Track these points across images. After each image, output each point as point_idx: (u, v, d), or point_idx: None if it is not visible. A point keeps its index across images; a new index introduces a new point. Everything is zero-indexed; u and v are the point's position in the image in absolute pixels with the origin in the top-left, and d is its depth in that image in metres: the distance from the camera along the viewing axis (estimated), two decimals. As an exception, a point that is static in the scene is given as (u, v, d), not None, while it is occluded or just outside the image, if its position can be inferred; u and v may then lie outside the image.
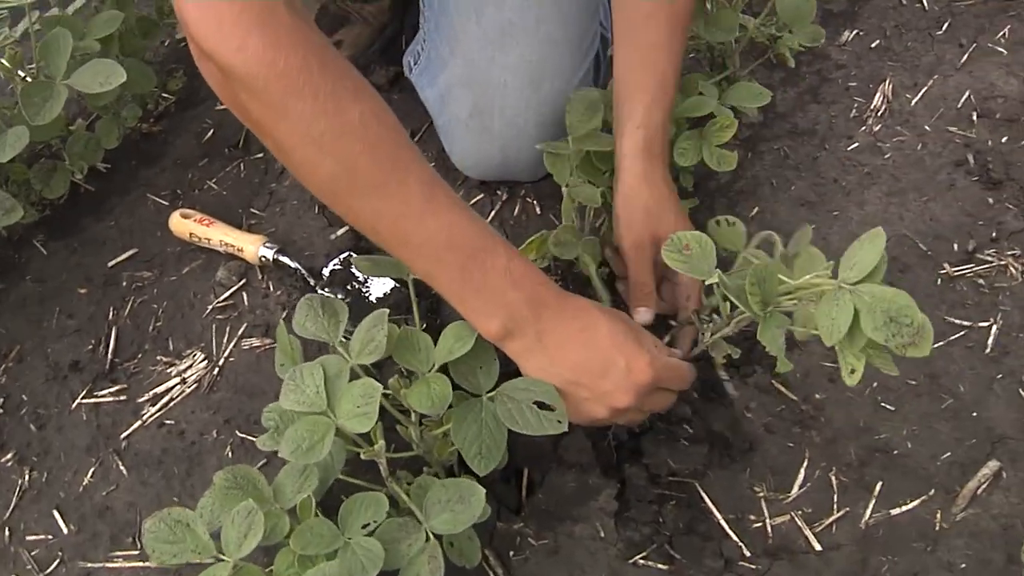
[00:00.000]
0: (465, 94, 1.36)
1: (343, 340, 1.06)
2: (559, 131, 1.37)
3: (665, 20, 1.19)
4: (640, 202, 1.17)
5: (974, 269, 1.33)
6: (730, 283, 0.95)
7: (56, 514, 1.27)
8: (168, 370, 1.38)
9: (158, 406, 1.34)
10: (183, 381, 1.37)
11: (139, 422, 1.33)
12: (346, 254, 1.42)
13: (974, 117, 1.49)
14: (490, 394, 1.02)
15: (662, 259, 1.00)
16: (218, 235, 1.45)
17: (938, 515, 1.12)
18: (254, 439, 1.29)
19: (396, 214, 0.93)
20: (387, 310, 1.03)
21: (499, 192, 1.50)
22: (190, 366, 1.38)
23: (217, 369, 1.37)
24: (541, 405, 1.00)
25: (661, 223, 1.17)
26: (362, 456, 1.04)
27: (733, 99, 1.32)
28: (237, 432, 1.30)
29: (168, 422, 1.33)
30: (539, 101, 1.34)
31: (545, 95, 1.34)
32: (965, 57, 1.58)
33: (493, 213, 1.48)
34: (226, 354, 1.38)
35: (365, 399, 0.98)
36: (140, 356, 1.41)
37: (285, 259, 1.42)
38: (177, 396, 1.35)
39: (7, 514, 1.28)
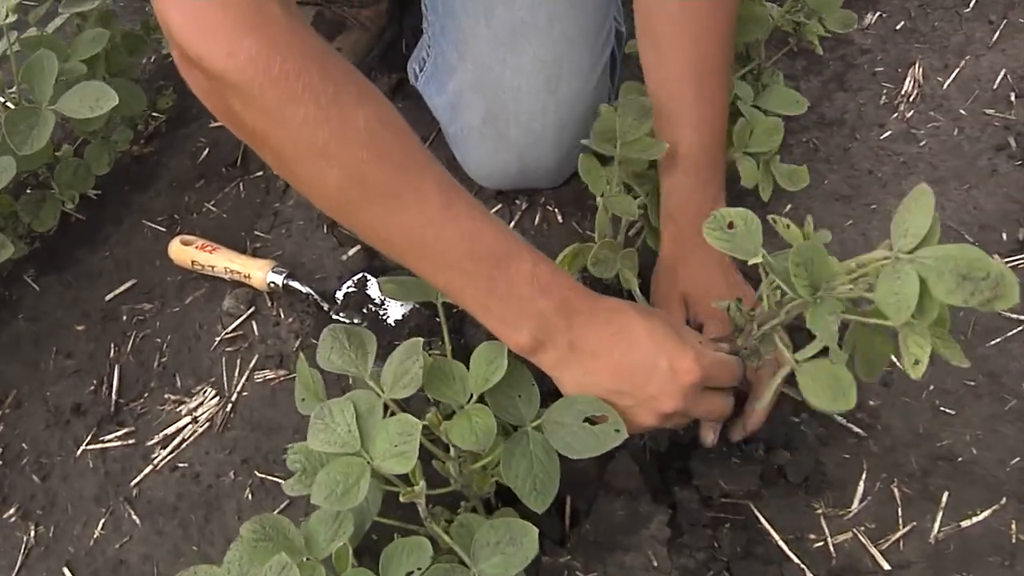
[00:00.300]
0: (477, 100, 1.30)
1: (373, 372, 0.99)
2: (579, 134, 1.32)
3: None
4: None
5: (1027, 259, 1.27)
6: (777, 264, 0.88)
7: (67, 572, 1.20)
8: (178, 409, 1.32)
9: (169, 448, 1.28)
10: (194, 420, 1.30)
11: (150, 467, 1.26)
12: (360, 275, 1.36)
13: (1012, 98, 1.44)
14: (535, 423, 0.96)
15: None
16: (222, 261, 1.38)
17: (1013, 526, 1.07)
18: (274, 479, 1.22)
19: (412, 224, 0.87)
20: (420, 339, 0.97)
21: (518, 201, 1.44)
22: (201, 403, 1.31)
23: (230, 405, 1.30)
24: (591, 421, 0.96)
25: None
26: (402, 499, 0.98)
27: (767, 103, 1.26)
28: (256, 472, 1.23)
29: (181, 465, 1.26)
30: (557, 104, 1.28)
31: (563, 97, 1.28)
32: (996, 35, 1.52)
33: (513, 224, 1.42)
34: (238, 389, 1.32)
35: (403, 437, 0.92)
36: (146, 395, 1.34)
37: (295, 284, 1.35)
38: (189, 436, 1.28)
39: (13, 574, 1.21)
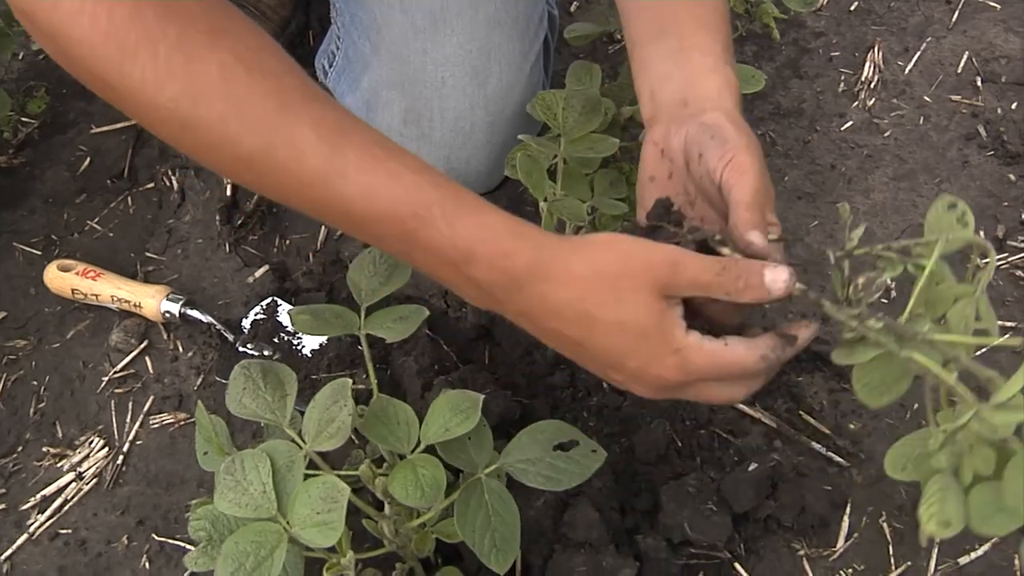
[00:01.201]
0: (396, 97, 1.18)
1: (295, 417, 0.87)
2: (511, 131, 1.21)
3: None
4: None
5: (1008, 259, 1.20)
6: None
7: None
8: (58, 464, 1.17)
9: (48, 512, 1.13)
10: (79, 477, 1.15)
11: (24, 536, 1.12)
12: (269, 299, 1.23)
13: (978, 82, 1.37)
14: (489, 469, 0.85)
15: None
16: (108, 289, 1.23)
17: (1016, 561, 0.99)
18: (176, 542, 1.08)
19: (291, 185, 0.74)
20: (349, 381, 0.84)
21: (446, 210, 1.31)
22: (86, 456, 1.17)
23: (121, 457, 1.16)
24: (563, 447, 0.90)
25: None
26: (325, 573, 0.85)
27: None
28: (154, 536, 1.10)
29: (63, 531, 1.11)
30: (486, 98, 1.17)
31: (493, 90, 1.17)
32: (956, 15, 1.45)
33: (442, 235, 1.29)
34: (131, 437, 1.18)
35: (328, 503, 0.80)
36: (20, 449, 1.19)
37: (194, 313, 1.21)
38: (73, 497, 1.14)
39: None
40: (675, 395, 0.81)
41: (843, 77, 1.40)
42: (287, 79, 0.74)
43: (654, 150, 0.88)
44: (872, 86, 1.38)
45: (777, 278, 0.77)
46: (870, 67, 1.40)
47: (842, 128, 1.35)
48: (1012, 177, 1.26)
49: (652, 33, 0.92)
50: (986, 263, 0.73)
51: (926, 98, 1.36)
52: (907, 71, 1.39)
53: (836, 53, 1.43)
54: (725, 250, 0.79)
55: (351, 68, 1.24)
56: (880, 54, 1.41)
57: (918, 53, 1.41)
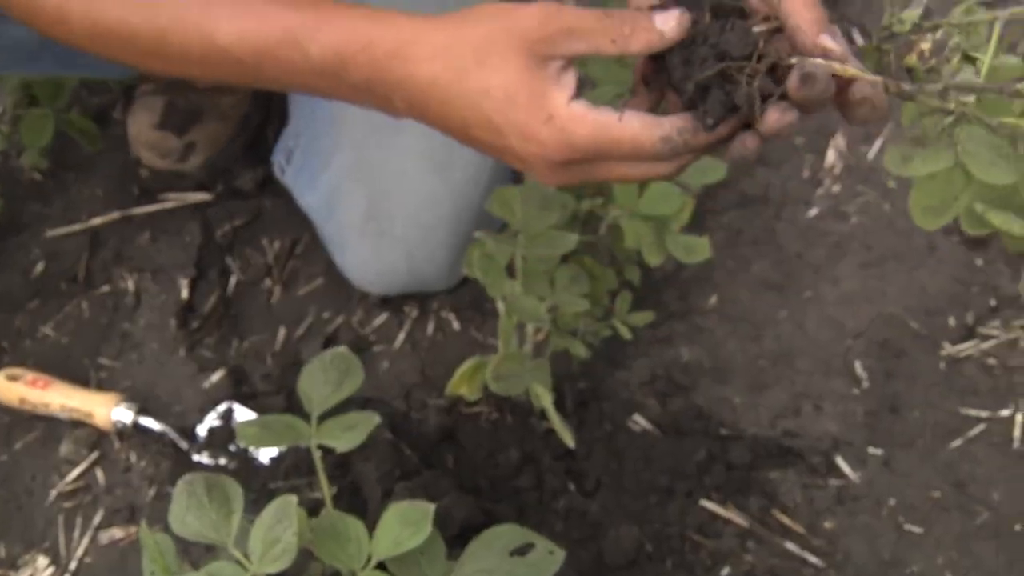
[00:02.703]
0: (357, 192, 1.18)
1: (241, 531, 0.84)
2: (474, 228, 1.19)
3: None
4: None
5: (980, 347, 1.20)
6: None
7: None
8: (2, 585, 1.13)
9: (-10, 638, 1.08)
10: (23, 598, 1.11)
11: (-34, 664, 1.07)
12: (225, 406, 1.21)
13: (942, 168, 1.38)
14: (447, 585, 0.83)
15: None
16: (58, 398, 1.22)
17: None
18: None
19: (190, 56, 0.80)
20: (294, 498, 0.82)
21: (407, 308, 1.31)
22: (31, 576, 1.13)
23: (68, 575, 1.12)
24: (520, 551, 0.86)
25: None
26: None
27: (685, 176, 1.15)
28: (101, 662, 1.05)
29: (6, 658, 1.07)
30: (449, 192, 1.17)
31: (456, 185, 1.17)
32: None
33: (403, 336, 1.29)
34: (79, 554, 1.15)
35: (274, 629, 0.76)
36: (-38, 570, 1.15)
37: (148, 421, 1.19)
38: (16, 620, 1.10)
39: None
40: (577, 177, 0.74)
41: (808, 163, 1.41)
42: None
43: None
44: (836, 172, 1.39)
45: (668, 17, 0.69)
46: (833, 153, 1.41)
47: (808, 215, 1.35)
48: (979, 262, 1.27)
49: None
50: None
51: (891, 184, 1.37)
52: (870, 157, 1.41)
53: (800, 139, 1.44)
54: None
55: (310, 164, 1.25)
56: (843, 140, 1.43)
57: (880, 139, 1.42)
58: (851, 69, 0.67)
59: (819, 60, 0.67)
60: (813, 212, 1.35)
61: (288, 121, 1.31)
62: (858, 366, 1.21)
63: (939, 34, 0.71)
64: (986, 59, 0.69)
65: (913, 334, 1.22)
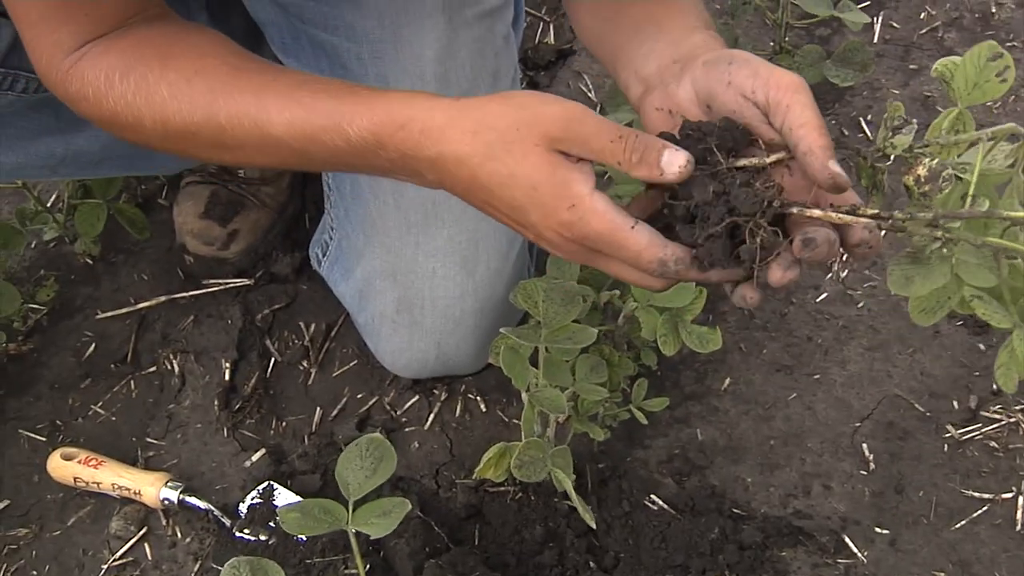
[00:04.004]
0: (389, 287, 1.25)
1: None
2: (499, 316, 1.28)
3: None
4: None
5: (982, 430, 1.25)
6: None
7: None
8: (56, 656, 1.19)
9: None
10: (76, 669, 1.17)
11: None
12: (266, 484, 1.27)
13: (945, 254, 1.44)
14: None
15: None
16: (109, 477, 1.28)
17: None
18: None
19: (247, 144, 0.91)
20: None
21: (436, 391, 1.38)
22: (83, 648, 1.19)
23: (117, 648, 1.18)
24: None
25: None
26: None
27: None
28: None
29: None
30: (475, 286, 1.24)
31: (481, 278, 1.24)
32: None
33: (432, 417, 1.35)
34: (128, 626, 1.20)
35: None
36: (20, 642, 1.21)
37: (192, 500, 1.26)
38: None
39: None
40: (588, 260, 0.82)
41: None
42: (218, 72, 0.91)
43: (660, 115, 0.88)
44: (845, 258, 1.45)
45: (674, 160, 0.76)
46: None
47: (817, 300, 1.41)
48: (982, 347, 1.32)
49: (628, 34, 0.97)
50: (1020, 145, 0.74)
51: None
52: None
53: None
54: (794, 209, 0.75)
55: (344, 258, 1.32)
56: None
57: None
58: (847, 218, 0.74)
59: (816, 212, 0.74)
60: (822, 297, 1.41)
61: (324, 214, 1.38)
62: (865, 447, 1.26)
63: (935, 162, 0.76)
64: (973, 178, 0.76)
65: (918, 416, 1.28)
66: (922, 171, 0.76)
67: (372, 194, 1.24)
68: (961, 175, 0.80)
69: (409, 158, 0.83)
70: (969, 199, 0.76)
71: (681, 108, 0.85)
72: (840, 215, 0.74)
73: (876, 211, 0.75)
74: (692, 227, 0.77)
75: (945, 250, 0.78)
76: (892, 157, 0.81)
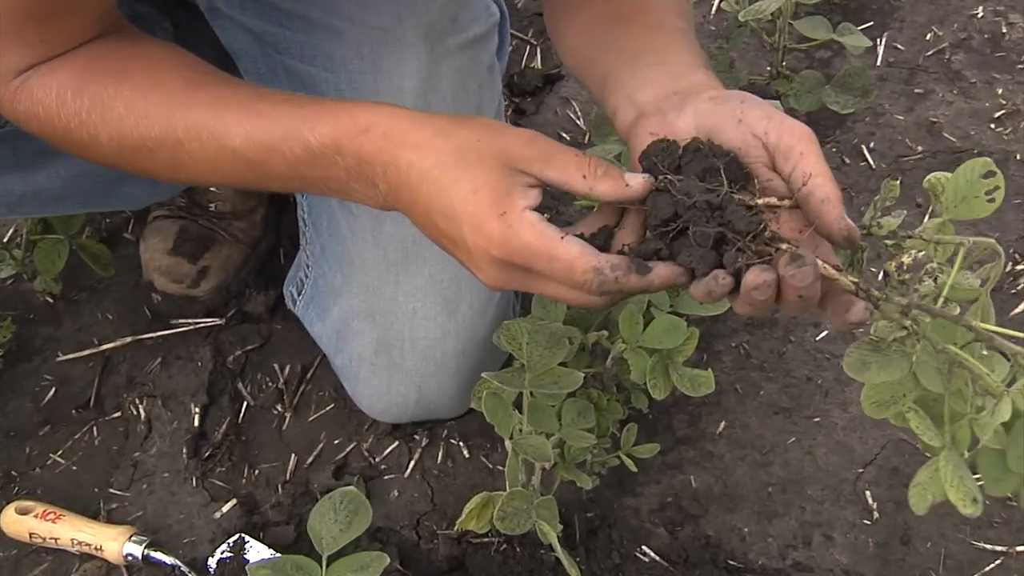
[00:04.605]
0: (367, 328, 1.27)
1: None
2: (481, 357, 1.30)
3: None
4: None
5: (991, 475, 1.26)
6: None
7: None
8: None
9: None
10: None
11: None
12: (237, 537, 1.28)
13: (951, 289, 1.46)
14: None
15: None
16: (68, 532, 1.29)
17: None
18: None
19: (204, 159, 0.94)
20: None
21: (417, 437, 1.39)
22: None
23: None
24: None
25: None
26: None
27: (684, 305, 1.24)
28: None
29: None
30: (457, 327, 1.26)
31: (463, 320, 1.26)
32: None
33: (413, 463, 1.36)
34: None
35: None
36: None
37: (158, 555, 1.26)
38: None
39: None
40: (520, 283, 0.83)
41: None
42: (175, 85, 0.95)
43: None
44: (845, 294, 1.48)
45: (639, 175, 0.80)
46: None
47: (817, 338, 1.43)
48: (990, 387, 1.34)
49: (624, 59, 0.99)
50: (993, 265, 0.76)
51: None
52: (881, 276, 1.49)
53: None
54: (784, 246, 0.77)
55: (320, 297, 1.34)
56: None
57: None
58: (831, 272, 0.77)
59: (804, 253, 0.76)
60: (822, 335, 1.44)
61: (299, 250, 1.41)
62: (869, 494, 1.28)
63: (920, 254, 0.80)
64: (949, 279, 0.79)
65: (924, 462, 1.28)
66: (907, 259, 0.80)
67: (350, 231, 1.26)
68: (939, 274, 0.83)
69: (365, 164, 0.87)
70: (941, 301, 0.78)
71: (679, 138, 0.86)
72: (826, 267, 0.77)
73: (856, 280, 0.78)
74: (663, 232, 0.80)
75: (907, 344, 0.80)
76: (875, 236, 0.84)
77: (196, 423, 1.42)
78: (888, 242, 0.81)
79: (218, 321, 1.52)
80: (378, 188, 0.88)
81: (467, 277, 1.25)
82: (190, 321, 1.53)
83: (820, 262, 0.77)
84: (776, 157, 0.82)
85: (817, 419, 1.35)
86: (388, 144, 0.85)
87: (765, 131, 0.82)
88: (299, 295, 1.38)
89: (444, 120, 0.86)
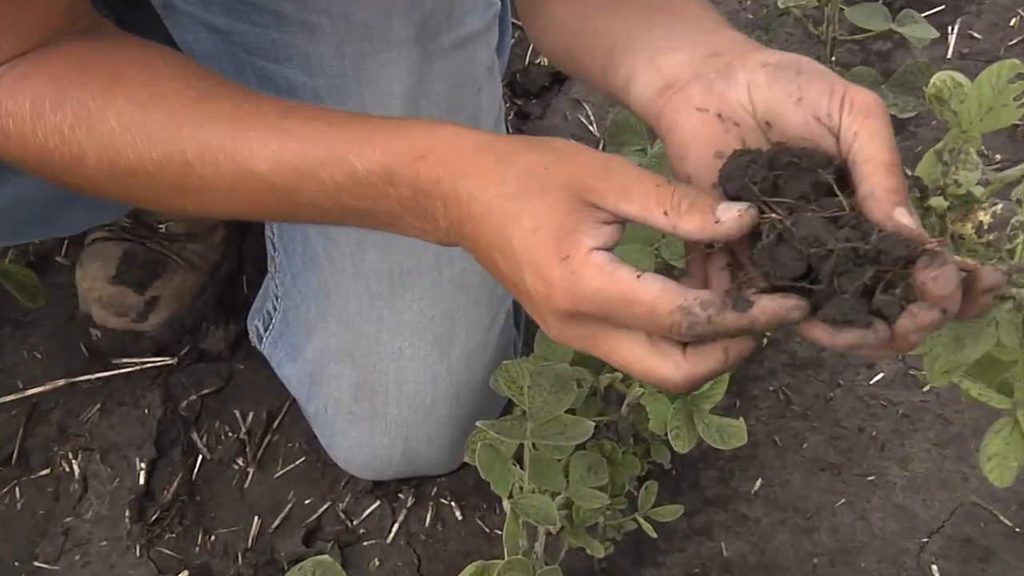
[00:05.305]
0: (346, 370, 1.33)
1: None
2: (478, 404, 1.36)
3: None
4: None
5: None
6: None
7: None
8: None
9: None
10: None
11: None
12: (186, 615, 1.33)
13: (1029, 324, 1.52)
14: None
15: None
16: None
17: None
18: None
19: (219, 186, 0.95)
20: None
21: (401, 495, 1.45)
22: None
23: None
24: None
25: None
26: None
27: None
28: None
29: None
30: (450, 369, 1.32)
31: (457, 360, 1.32)
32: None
33: (396, 527, 1.42)
34: None
35: None
36: None
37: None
38: None
39: None
40: (580, 339, 0.82)
41: None
42: (181, 97, 0.95)
43: (702, 118, 0.86)
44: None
45: (732, 207, 0.76)
46: None
47: (871, 382, 1.49)
48: (1076, 440, 1.40)
49: (634, 21, 0.98)
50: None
51: None
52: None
53: None
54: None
55: (291, 334, 1.39)
56: None
57: (958, 287, 1.56)
58: (969, 262, 0.74)
59: (956, 257, 0.73)
60: (877, 378, 1.49)
61: (267, 277, 1.46)
62: (936, 569, 1.32)
63: (1000, 208, 0.82)
64: None
65: (1003, 531, 1.34)
66: (985, 217, 0.80)
67: (327, 259, 1.31)
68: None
69: (423, 195, 0.86)
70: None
71: (734, 114, 0.85)
72: (964, 260, 0.74)
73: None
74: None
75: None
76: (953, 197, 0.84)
77: (141, 481, 1.47)
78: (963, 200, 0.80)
79: (169, 361, 1.58)
80: (438, 223, 0.88)
81: (463, 312, 1.32)
82: (136, 361, 1.57)
83: (961, 258, 0.74)
84: (838, 142, 0.80)
85: (871, 477, 1.40)
86: (447, 173, 0.85)
87: (828, 112, 0.81)
88: (266, 331, 1.43)
89: (511, 143, 0.85)
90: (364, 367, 1.32)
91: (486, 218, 0.83)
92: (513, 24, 1.68)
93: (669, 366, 0.79)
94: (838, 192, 0.77)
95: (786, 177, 0.79)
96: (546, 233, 0.79)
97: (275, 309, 1.43)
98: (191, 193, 0.96)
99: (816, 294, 0.75)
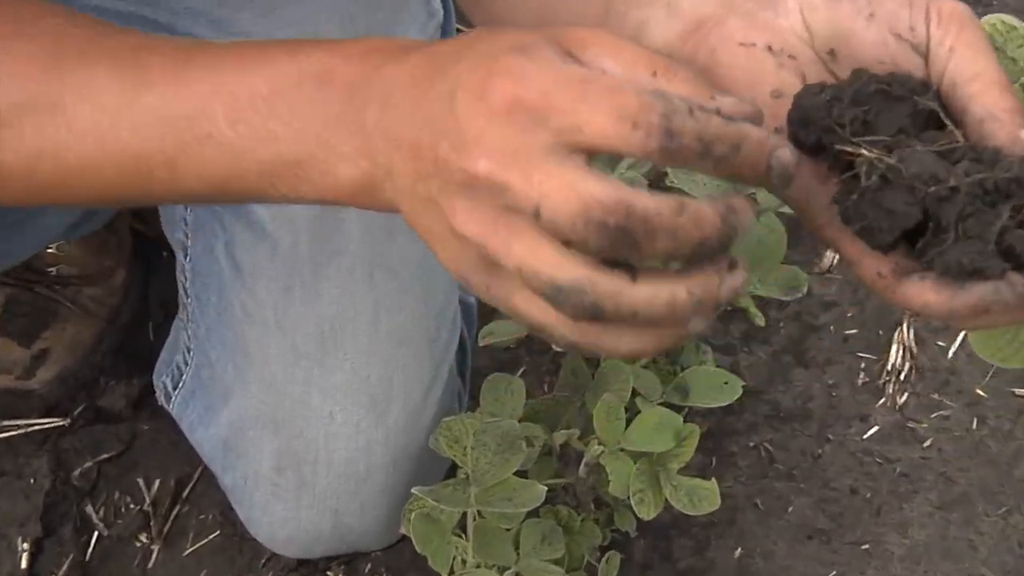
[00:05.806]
0: (267, 437, 1.33)
1: None
2: (418, 469, 1.37)
3: None
4: None
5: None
6: None
7: None
8: None
9: None
10: None
11: None
12: None
13: (1046, 366, 1.54)
14: None
15: None
16: None
17: None
18: None
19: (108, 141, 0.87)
20: None
21: (330, 573, 1.46)
22: None
23: None
24: None
25: None
26: None
27: (689, 394, 1.32)
28: None
29: None
30: (387, 434, 1.33)
31: (395, 423, 1.33)
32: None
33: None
34: None
35: None
36: None
37: None
38: None
39: None
40: (504, 159, 0.68)
41: (863, 364, 1.56)
42: (73, 33, 0.90)
43: (750, 54, 0.82)
44: (903, 376, 1.55)
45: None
46: (898, 350, 1.57)
47: (864, 436, 1.51)
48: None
49: None
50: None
51: (979, 391, 1.52)
52: (951, 354, 1.56)
53: (853, 330, 1.60)
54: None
55: (205, 394, 1.38)
56: (911, 332, 1.58)
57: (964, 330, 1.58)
58: None
59: None
60: (872, 431, 1.51)
61: (175, 324, 1.45)
62: (940, 652, 1.35)
63: None
64: None
65: (1015, 600, 1.37)
66: None
67: (244, 312, 1.31)
68: None
69: (359, 84, 0.78)
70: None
71: (788, 45, 0.81)
72: None
73: None
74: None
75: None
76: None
77: (24, 564, 1.46)
78: None
79: (60, 422, 1.57)
80: (366, 116, 0.77)
81: (401, 371, 1.32)
82: (20, 423, 1.57)
83: None
84: (927, 60, 0.77)
85: (866, 546, 1.42)
86: (391, 57, 0.78)
87: (911, 25, 0.77)
88: (175, 388, 1.42)
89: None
90: (289, 433, 1.32)
91: (430, 65, 0.75)
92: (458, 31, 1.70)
93: (606, 188, 0.65)
94: (946, 120, 0.73)
95: (876, 110, 0.74)
96: (506, 38, 0.72)
97: (186, 364, 1.42)
98: (57, 154, 0.87)
99: (923, 246, 0.70)
